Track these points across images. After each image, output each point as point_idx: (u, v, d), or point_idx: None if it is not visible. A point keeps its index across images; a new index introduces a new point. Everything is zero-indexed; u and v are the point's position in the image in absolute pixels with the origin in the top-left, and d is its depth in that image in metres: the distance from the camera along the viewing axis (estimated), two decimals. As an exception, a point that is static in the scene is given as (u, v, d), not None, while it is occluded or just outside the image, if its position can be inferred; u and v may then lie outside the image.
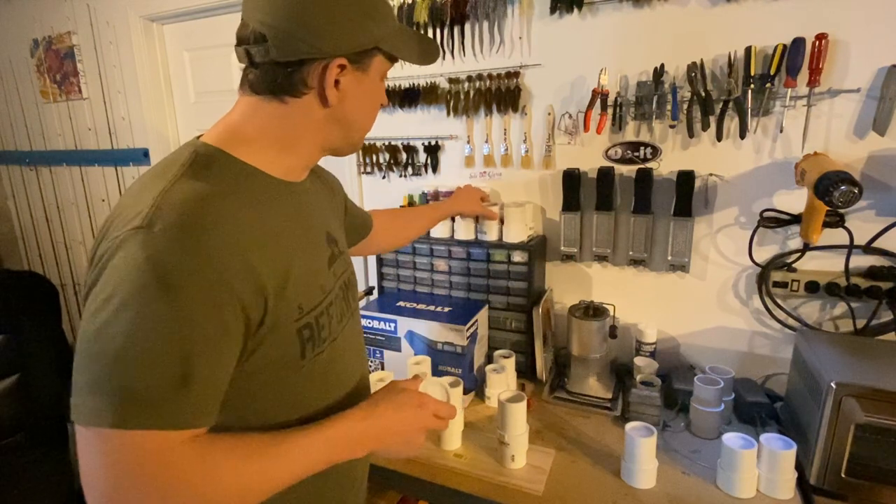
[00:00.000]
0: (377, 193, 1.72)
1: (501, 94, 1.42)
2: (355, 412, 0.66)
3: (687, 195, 1.25)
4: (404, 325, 1.28)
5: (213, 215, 0.53)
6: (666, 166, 1.29)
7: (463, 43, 1.45)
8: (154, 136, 2.09)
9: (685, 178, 1.24)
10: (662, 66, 1.23)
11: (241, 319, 0.54)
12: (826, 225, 1.12)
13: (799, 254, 1.19)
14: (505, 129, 1.46)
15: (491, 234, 1.38)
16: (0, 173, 2.63)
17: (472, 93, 1.47)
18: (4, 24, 2.31)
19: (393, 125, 1.61)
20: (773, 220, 1.21)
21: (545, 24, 1.35)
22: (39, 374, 1.56)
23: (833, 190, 0.96)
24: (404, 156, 1.62)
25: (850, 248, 1.14)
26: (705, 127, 1.20)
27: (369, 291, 1.62)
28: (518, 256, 1.35)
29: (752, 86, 1.14)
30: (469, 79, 1.46)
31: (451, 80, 1.49)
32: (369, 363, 1.35)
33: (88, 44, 2.11)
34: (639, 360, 1.30)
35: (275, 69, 0.61)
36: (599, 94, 1.28)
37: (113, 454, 0.48)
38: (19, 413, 1.53)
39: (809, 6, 1.09)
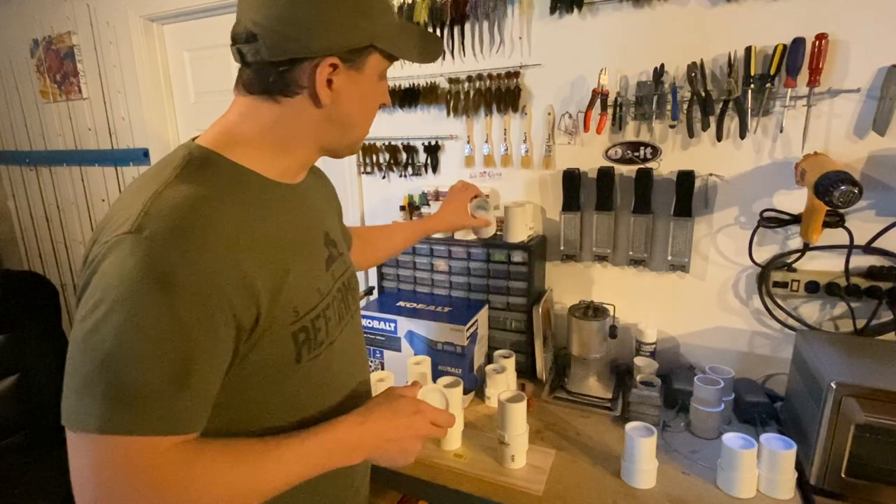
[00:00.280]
0: (377, 193, 1.72)
1: (501, 94, 1.42)
2: (350, 418, 0.65)
3: (687, 195, 1.25)
4: (404, 325, 1.28)
5: (204, 219, 0.53)
6: (666, 166, 1.29)
7: (463, 43, 1.45)
8: (154, 136, 2.09)
9: (685, 178, 1.24)
10: (662, 66, 1.23)
11: (232, 324, 0.54)
12: (826, 225, 1.12)
13: (799, 254, 1.19)
14: (505, 129, 1.46)
15: (486, 232, 1.27)
16: (0, 173, 2.63)
17: (472, 93, 1.47)
18: (4, 24, 2.31)
19: (393, 125, 1.61)
20: (773, 220, 1.21)
21: (545, 24, 1.35)
22: (39, 374, 1.56)
23: (833, 190, 0.96)
24: (404, 156, 1.62)
25: (850, 248, 1.14)
26: (705, 127, 1.20)
27: (369, 291, 1.62)
28: (518, 256, 1.34)
29: (752, 86, 1.14)
30: (469, 79, 1.46)
31: (451, 80, 1.49)
32: (370, 364, 1.35)
33: (88, 44, 2.11)
34: (639, 360, 1.30)
35: (267, 69, 0.60)
36: (599, 94, 1.28)
37: (100, 459, 0.48)
38: (19, 413, 1.53)
39: (809, 6, 1.09)
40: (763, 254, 1.24)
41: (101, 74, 2.12)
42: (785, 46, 1.10)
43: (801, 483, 0.95)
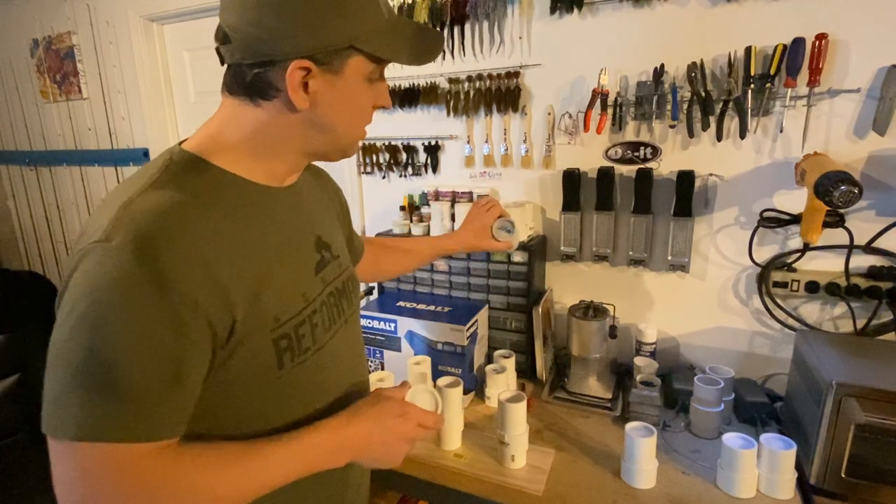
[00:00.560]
0: (377, 193, 1.72)
1: (501, 94, 1.42)
2: (335, 421, 0.65)
3: (687, 195, 1.25)
4: (404, 325, 1.28)
5: (175, 227, 0.52)
6: (666, 166, 1.29)
7: (463, 43, 1.45)
8: (154, 136, 2.09)
9: (685, 178, 1.24)
10: (662, 66, 1.23)
11: (206, 332, 0.53)
12: (826, 225, 1.12)
13: (799, 254, 1.19)
14: (505, 129, 1.46)
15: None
16: (0, 173, 2.63)
17: (472, 93, 1.47)
18: (4, 24, 2.31)
19: (393, 125, 1.61)
20: (773, 220, 1.21)
21: (545, 24, 1.35)
22: (39, 374, 1.56)
23: (833, 190, 0.96)
24: (404, 156, 1.62)
25: (850, 248, 1.14)
26: (705, 127, 1.20)
27: (369, 291, 1.62)
28: (518, 256, 1.34)
29: (752, 86, 1.14)
30: (469, 79, 1.46)
31: (451, 80, 1.49)
32: (369, 365, 1.35)
33: (88, 44, 2.11)
34: (639, 360, 1.30)
35: (243, 70, 0.58)
36: (599, 94, 1.28)
37: (80, 465, 0.49)
38: (19, 413, 1.53)
39: (809, 6, 1.09)
40: (763, 254, 1.24)
41: (101, 74, 2.12)
42: (785, 46, 1.10)
43: (801, 483, 0.95)
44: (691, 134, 1.23)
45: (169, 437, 0.53)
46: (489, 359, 1.37)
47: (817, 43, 1.07)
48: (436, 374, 1.22)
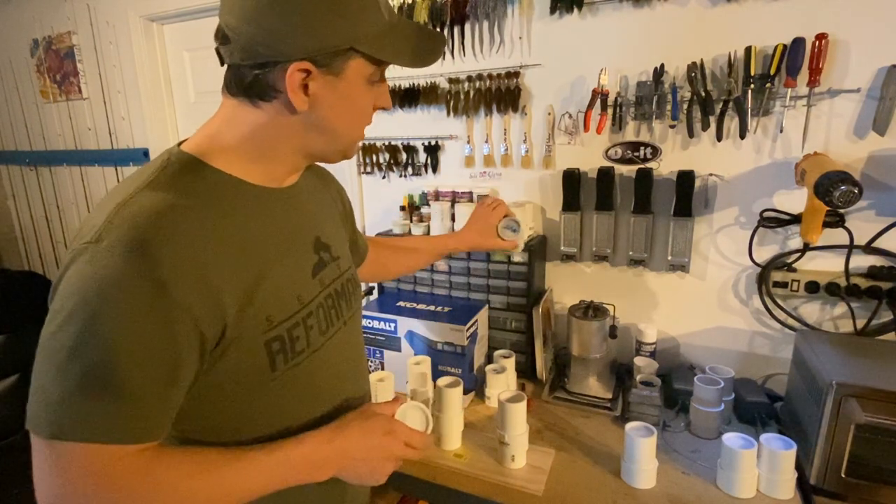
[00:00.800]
0: (377, 193, 1.72)
1: (501, 94, 1.42)
2: (320, 435, 0.64)
3: (687, 195, 1.25)
4: (404, 325, 1.28)
5: (167, 229, 0.52)
6: (666, 166, 1.29)
7: (463, 43, 1.45)
8: (154, 136, 2.09)
9: (685, 178, 1.24)
10: (662, 66, 1.23)
11: (194, 335, 0.53)
12: (826, 225, 1.12)
13: (799, 254, 1.19)
14: (505, 129, 1.46)
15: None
16: (0, 173, 2.63)
17: (472, 93, 1.47)
18: (4, 24, 2.31)
19: (393, 125, 1.61)
20: (773, 220, 1.21)
21: (545, 24, 1.35)
22: (39, 374, 1.56)
23: (833, 190, 0.96)
24: (404, 156, 1.62)
25: (850, 248, 1.14)
26: (705, 127, 1.20)
27: (369, 291, 1.62)
28: (518, 256, 1.34)
29: (752, 86, 1.14)
30: (469, 79, 1.46)
31: (451, 80, 1.49)
32: (369, 364, 1.35)
33: (88, 44, 2.11)
34: (639, 360, 1.30)
35: (243, 71, 0.58)
36: (599, 94, 1.28)
37: (56, 464, 0.49)
38: (19, 413, 1.54)
39: (809, 6, 1.09)
40: (763, 254, 1.24)
41: (101, 74, 2.12)
42: (785, 46, 1.10)
43: (801, 483, 0.95)
44: (691, 134, 1.23)
45: (150, 439, 0.52)
46: (489, 359, 1.37)
47: (817, 43, 1.07)
48: (436, 374, 1.22)
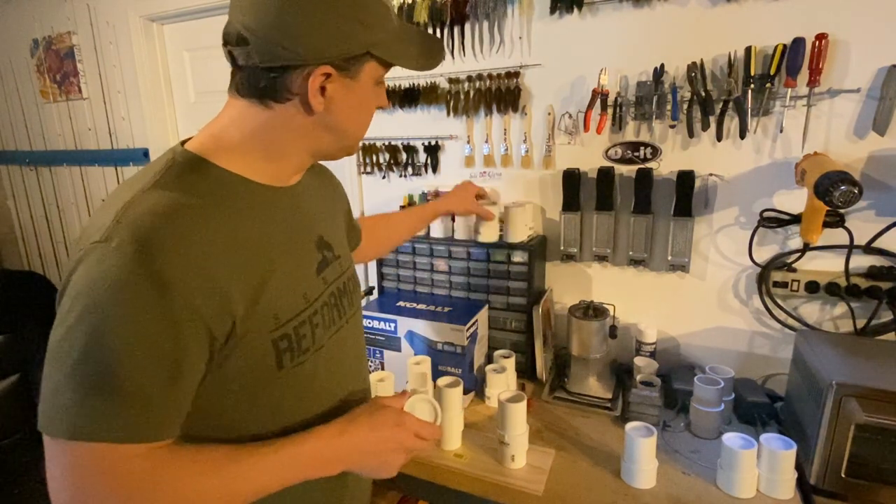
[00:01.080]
0: (377, 193, 1.72)
1: (501, 94, 1.42)
2: (330, 429, 0.64)
3: (687, 195, 1.25)
4: (404, 325, 1.28)
5: (175, 229, 0.52)
6: (666, 166, 1.29)
7: (463, 43, 1.45)
8: (154, 136, 2.09)
9: (685, 178, 1.24)
10: (662, 66, 1.23)
11: (204, 333, 0.53)
12: (826, 225, 1.12)
13: (799, 254, 1.19)
14: (505, 129, 1.46)
15: (486, 236, 1.34)
16: (0, 173, 2.63)
17: (472, 93, 1.47)
18: (4, 24, 2.31)
19: (393, 125, 1.61)
20: (773, 220, 1.21)
21: (545, 24, 1.35)
22: (39, 374, 1.56)
23: (833, 190, 0.96)
24: (404, 156, 1.62)
25: (850, 248, 1.14)
26: (705, 127, 1.20)
27: (369, 291, 1.62)
28: (518, 256, 1.34)
29: (752, 86, 1.14)
30: (469, 79, 1.46)
31: (451, 80, 1.49)
32: (369, 364, 1.35)
33: (88, 44, 2.11)
34: (639, 360, 1.30)
35: (258, 73, 0.58)
36: (599, 94, 1.28)
37: (71, 464, 0.49)
38: (19, 413, 1.54)
39: (809, 6, 1.09)
40: (763, 254, 1.24)
41: (101, 74, 2.12)
42: (785, 46, 1.10)
43: (801, 483, 0.95)
44: (691, 134, 1.23)
45: (161, 438, 0.53)
46: (489, 359, 1.37)
47: (817, 43, 1.07)
48: (436, 374, 1.22)
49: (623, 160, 1.33)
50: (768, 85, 1.13)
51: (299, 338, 0.63)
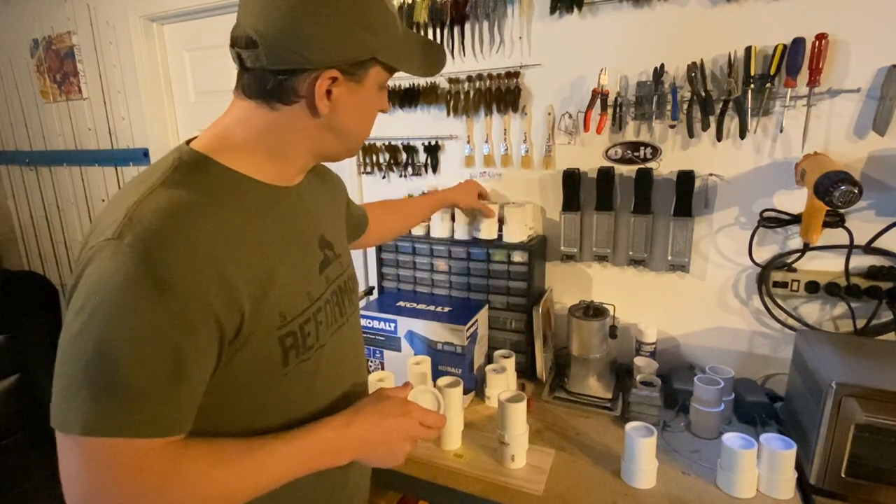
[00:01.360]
0: (377, 193, 1.72)
1: (501, 94, 1.42)
2: (337, 420, 0.66)
3: (687, 195, 1.25)
4: (404, 325, 1.28)
5: (186, 226, 0.53)
6: (666, 166, 1.29)
7: (463, 43, 1.45)
8: (154, 136, 2.09)
9: (685, 178, 1.24)
10: (662, 66, 1.23)
11: (214, 330, 0.54)
12: (826, 225, 1.12)
13: (799, 254, 1.19)
14: (505, 129, 1.46)
15: (485, 233, 1.37)
16: (0, 173, 2.63)
17: (472, 93, 1.47)
18: (4, 24, 2.31)
19: (393, 125, 1.61)
20: (773, 220, 1.21)
21: (545, 24, 1.35)
22: (39, 374, 1.56)
23: (833, 190, 0.96)
24: (404, 156, 1.62)
25: (850, 248, 1.14)
26: (705, 127, 1.20)
27: (369, 291, 1.62)
28: (518, 256, 1.34)
29: (752, 86, 1.14)
30: (469, 79, 1.46)
31: (451, 80, 1.49)
32: (369, 363, 1.35)
33: (88, 44, 2.11)
34: (639, 360, 1.30)
35: (266, 76, 0.60)
36: (599, 94, 1.28)
37: (86, 460, 0.49)
38: (19, 413, 1.53)
39: (810, 6, 1.09)
40: (763, 254, 1.24)
41: (101, 74, 2.12)
42: (785, 46, 1.10)
43: (801, 483, 0.95)
44: (691, 134, 1.23)
45: (174, 433, 0.53)
46: (489, 359, 1.37)
47: (817, 43, 1.07)
48: (436, 374, 1.22)
49: (623, 160, 1.33)
50: (768, 85, 1.13)
51: (304, 335, 0.64)
